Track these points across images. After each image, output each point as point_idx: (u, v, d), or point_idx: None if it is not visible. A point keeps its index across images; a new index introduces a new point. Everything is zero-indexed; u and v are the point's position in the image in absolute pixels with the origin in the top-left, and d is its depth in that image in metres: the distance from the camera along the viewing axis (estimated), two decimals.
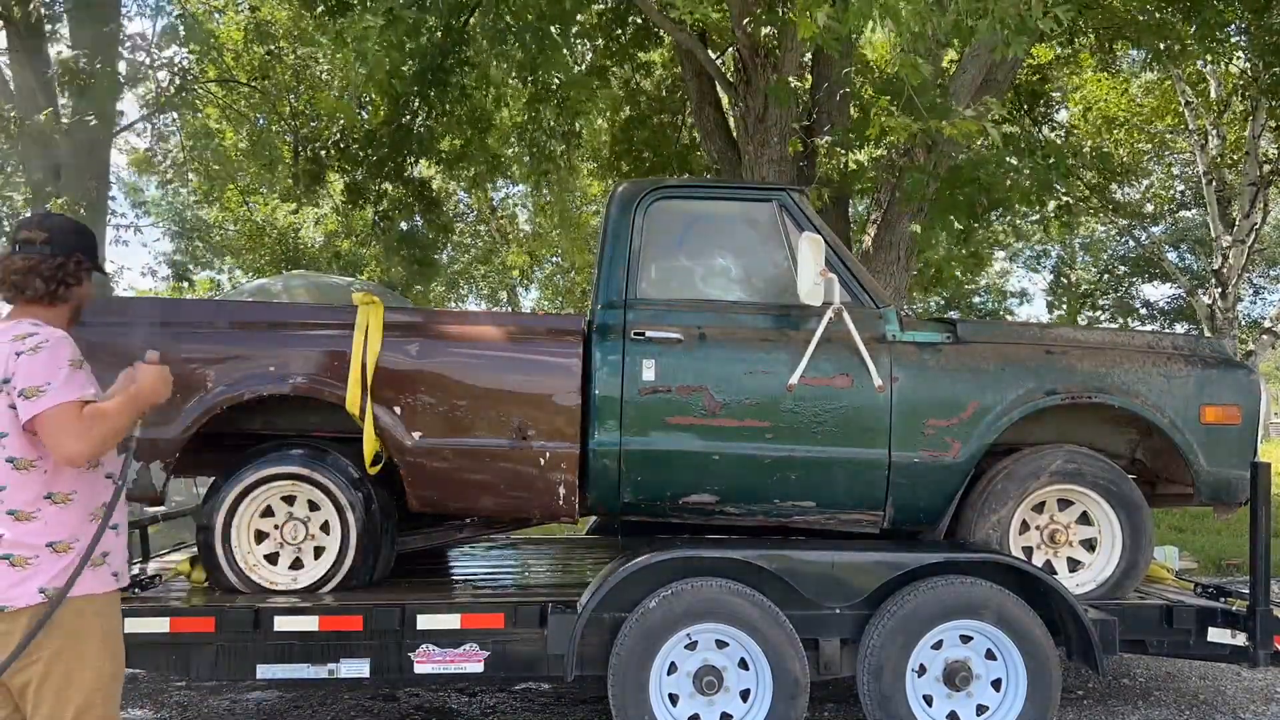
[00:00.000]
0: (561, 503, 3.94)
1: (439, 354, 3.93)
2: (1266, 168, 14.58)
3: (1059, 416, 4.18)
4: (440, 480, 3.91)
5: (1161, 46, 8.90)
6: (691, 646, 3.60)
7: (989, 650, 3.64)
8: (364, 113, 10.72)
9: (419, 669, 3.66)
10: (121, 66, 8.08)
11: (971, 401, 3.96)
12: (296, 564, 3.94)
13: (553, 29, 8.68)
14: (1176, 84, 15.23)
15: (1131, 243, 20.65)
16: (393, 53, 6.81)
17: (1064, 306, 25.21)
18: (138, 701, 4.68)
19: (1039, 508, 4.11)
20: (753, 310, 4.10)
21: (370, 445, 3.82)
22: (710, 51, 9.28)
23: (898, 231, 8.28)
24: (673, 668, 3.58)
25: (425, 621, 3.66)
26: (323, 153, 11.12)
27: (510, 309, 24.11)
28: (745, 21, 7.63)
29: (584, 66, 10.20)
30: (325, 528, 3.94)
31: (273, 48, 11.60)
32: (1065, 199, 11.68)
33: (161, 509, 5.03)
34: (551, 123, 10.31)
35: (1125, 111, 16.06)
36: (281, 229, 16.46)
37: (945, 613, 3.59)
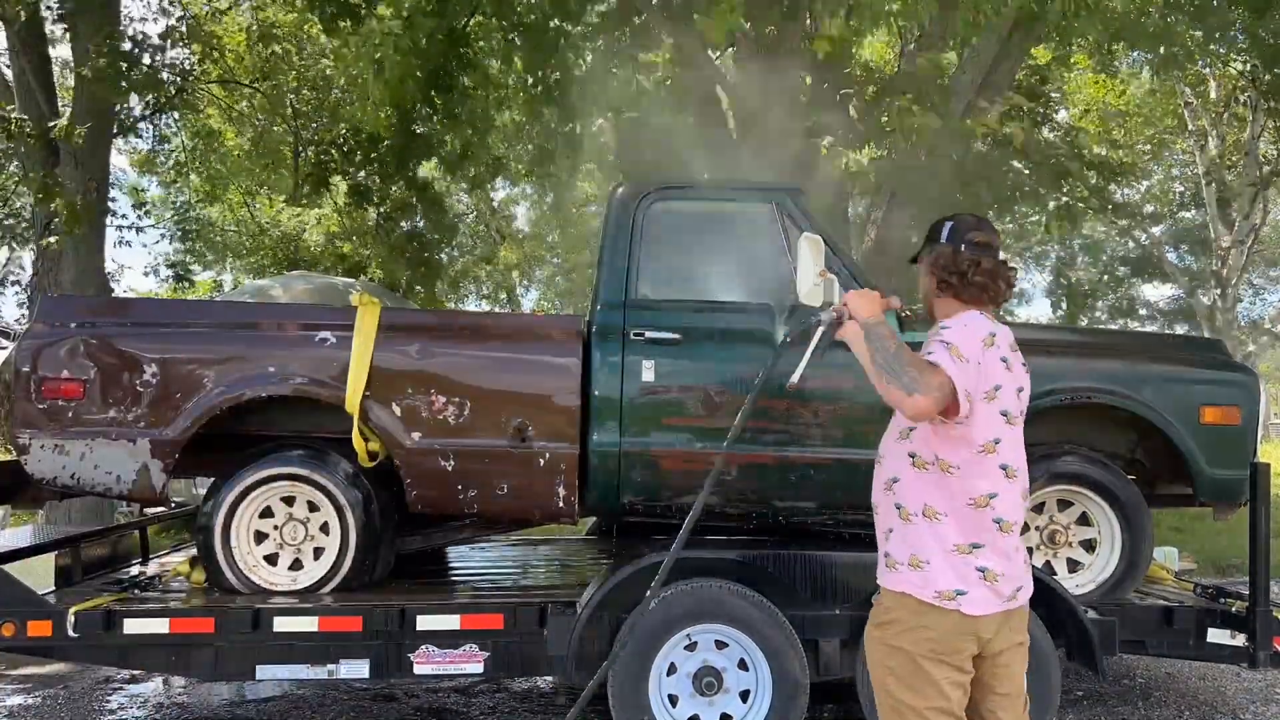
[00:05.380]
0: (561, 503, 3.94)
1: (439, 354, 3.93)
2: (1266, 169, 14.60)
3: (1059, 416, 4.17)
4: (440, 481, 3.91)
5: (1163, 51, 8.89)
6: (691, 647, 3.60)
7: None
8: (365, 115, 10.71)
9: (418, 669, 3.66)
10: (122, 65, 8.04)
11: None
12: (296, 565, 3.95)
13: (555, 27, 8.69)
14: (1177, 85, 15.24)
15: (1131, 243, 20.66)
16: (408, 59, 6.84)
17: (1064, 307, 25.19)
18: (138, 702, 4.68)
19: (1039, 508, 4.10)
20: (752, 311, 4.10)
21: (359, 444, 3.83)
22: (710, 52, 9.28)
23: (898, 231, 8.29)
24: (672, 668, 3.58)
25: (425, 622, 3.66)
26: (324, 157, 11.13)
27: (510, 309, 24.12)
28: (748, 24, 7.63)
29: (585, 68, 10.19)
30: (325, 528, 3.94)
31: (276, 49, 11.60)
32: (1066, 199, 11.71)
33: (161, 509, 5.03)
34: (553, 124, 10.30)
35: (1128, 107, 16.06)
36: (285, 230, 16.46)
37: None
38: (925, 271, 2.57)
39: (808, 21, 7.29)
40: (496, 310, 23.86)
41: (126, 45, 8.34)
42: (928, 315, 2.64)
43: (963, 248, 2.46)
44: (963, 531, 2.33)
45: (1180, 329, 21.67)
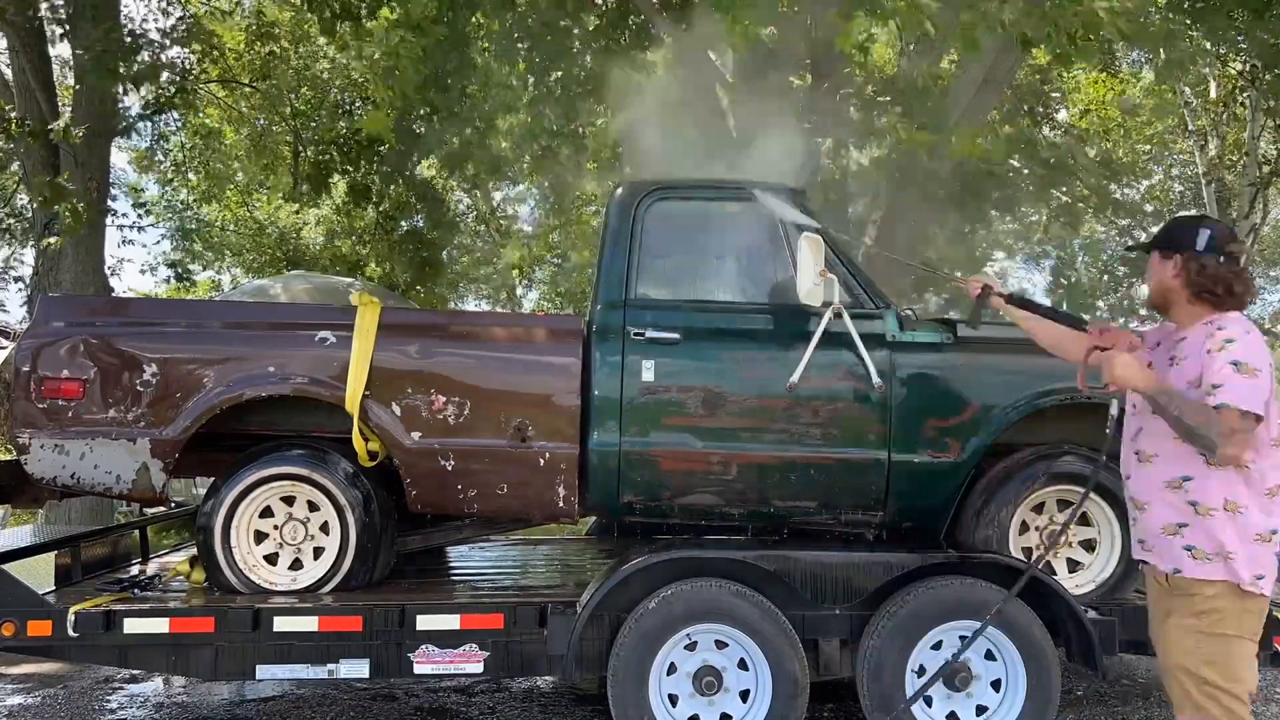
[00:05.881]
0: (561, 503, 3.94)
1: (439, 354, 3.93)
2: (1266, 168, 14.58)
3: (1059, 416, 4.17)
4: (440, 481, 3.91)
5: (1164, 55, 8.87)
6: (691, 647, 3.60)
7: (989, 651, 3.64)
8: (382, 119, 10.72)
9: (418, 669, 3.67)
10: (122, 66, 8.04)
11: (972, 402, 3.96)
12: (296, 564, 3.95)
13: (560, 26, 8.68)
14: (1176, 85, 15.23)
15: (1131, 243, 20.66)
16: (418, 64, 6.86)
17: (1063, 307, 25.16)
18: (138, 702, 4.68)
19: (1039, 508, 4.10)
20: (752, 310, 4.10)
21: (359, 444, 3.83)
22: (710, 52, 9.27)
23: (897, 231, 8.29)
24: (672, 668, 3.58)
25: (425, 622, 3.66)
26: (324, 157, 11.11)
27: (510, 309, 24.10)
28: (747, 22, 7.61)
29: (586, 69, 10.18)
30: (325, 528, 3.94)
31: (275, 49, 11.59)
32: (1065, 199, 11.73)
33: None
34: (556, 126, 10.29)
35: (1122, 104, 16.05)
36: (283, 228, 16.45)
37: (945, 614, 3.59)
38: (1176, 274, 2.59)
39: (808, 21, 7.29)
40: (497, 310, 23.85)
41: (126, 40, 8.33)
42: (1160, 310, 2.71)
43: (1221, 259, 2.54)
44: (1265, 520, 2.48)
45: None
